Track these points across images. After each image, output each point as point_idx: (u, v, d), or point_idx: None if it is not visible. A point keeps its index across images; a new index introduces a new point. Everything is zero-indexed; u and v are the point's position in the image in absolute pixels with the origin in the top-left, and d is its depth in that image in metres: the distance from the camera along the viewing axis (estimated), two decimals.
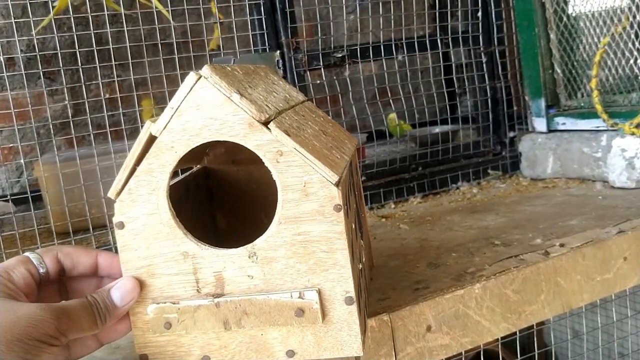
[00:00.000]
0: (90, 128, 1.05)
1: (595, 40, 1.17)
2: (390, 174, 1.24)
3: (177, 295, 0.59)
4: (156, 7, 1.05)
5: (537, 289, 0.76)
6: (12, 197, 1.54)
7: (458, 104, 1.43)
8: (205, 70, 0.56)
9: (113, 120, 1.08)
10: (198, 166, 0.83)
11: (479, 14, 1.30)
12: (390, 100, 1.31)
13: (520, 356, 1.14)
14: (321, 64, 1.15)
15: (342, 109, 1.25)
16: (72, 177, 1.08)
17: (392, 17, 1.25)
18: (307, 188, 0.56)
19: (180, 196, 0.65)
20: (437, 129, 1.53)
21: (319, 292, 0.57)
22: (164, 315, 0.59)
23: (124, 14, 1.07)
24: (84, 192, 1.05)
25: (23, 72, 1.06)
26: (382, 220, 1.09)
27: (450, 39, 1.27)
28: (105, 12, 1.04)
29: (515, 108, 1.35)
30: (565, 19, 1.21)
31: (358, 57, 1.19)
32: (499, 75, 1.32)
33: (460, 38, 1.29)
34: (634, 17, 1.09)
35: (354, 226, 0.65)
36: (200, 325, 0.59)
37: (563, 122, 1.23)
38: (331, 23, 1.21)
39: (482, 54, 1.31)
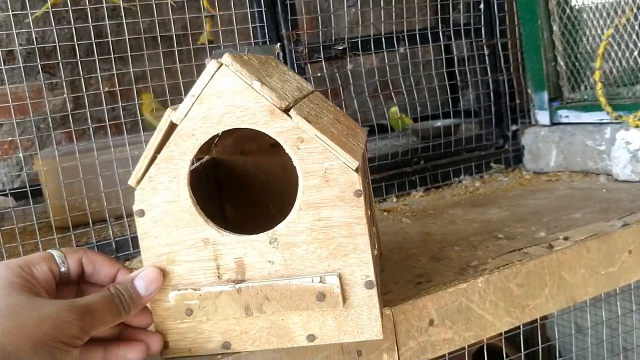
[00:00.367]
0: (90, 122, 1.04)
1: (599, 32, 1.16)
2: (392, 167, 1.23)
3: (198, 281, 0.60)
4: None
5: (541, 282, 0.75)
6: (12, 192, 1.54)
7: (460, 97, 1.41)
8: (226, 58, 0.57)
9: (113, 115, 1.07)
10: (207, 157, 0.83)
11: (481, 6, 1.28)
12: (392, 94, 1.30)
13: (524, 350, 1.14)
14: (322, 56, 1.14)
15: (343, 102, 1.24)
16: (72, 171, 1.08)
17: (394, 9, 1.24)
18: (328, 174, 0.57)
19: (192, 187, 0.65)
20: (439, 123, 1.51)
21: (340, 277, 0.58)
22: (185, 301, 0.60)
23: (123, 7, 1.06)
24: (83, 186, 1.05)
25: (21, 65, 1.05)
26: (384, 214, 1.09)
27: (452, 31, 1.26)
28: (104, 5, 1.02)
29: (517, 101, 1.34)
30: (568, 10, 1.20)
31: (359, 50, 1.18)
32: (502, 68, 1.31)
33: (462, 30, 1.28)
34: (638, 8, 1.08)
35: (369, 212, 0.65)
36: (221, 312, 0.60)
37: (566, 115, 1.22)
38: (332, 15, 1.20)
39: (484, 46, 1.30)
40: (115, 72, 1.09)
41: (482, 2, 1.29)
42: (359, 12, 1.24)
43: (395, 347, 0.66)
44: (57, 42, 1.01)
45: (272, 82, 0.61)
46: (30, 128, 1.75)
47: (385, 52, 1.22)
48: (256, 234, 0.60)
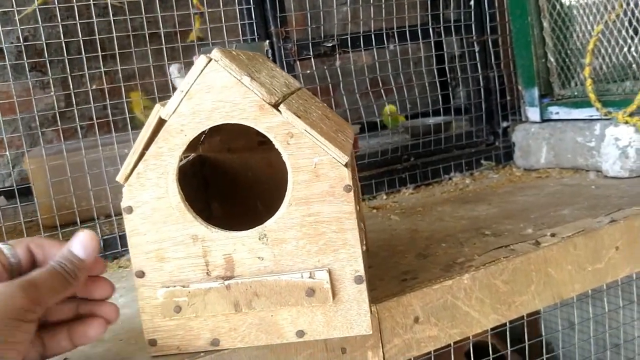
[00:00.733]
0: (77, 120, 1.04)
1: (589, 28, 1.16)
2: (382, 165, 1.23)
3: (187, 278, 0.60)
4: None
5: (527, 279, 0.74)
6: (3, 190, 1.53)
7: (450, 94, 1.41)
8: (216, 53, 0.56)
9: (105, 113, 1.07)
10: (194, 154, 0.82)
11: (472, 2, 1.28)
12: (382, 91, 1.30)
13: (516, 346, 1.14)
14: (311, 53, 1.14)
15: (332, 100, 1.23)
16: (61, 170, 1.07)
17: (384, 6, 1.24)
18: (318, 169, 0.57)
19: (180, 183, 0.65)
20: (431, 120, 1.51)
21: (329, 272, 0.58)
22: (173, 299, 0.60)
23: (110, 4, 1.05)
24: (71, 184, 1.04)
25: (7, 63, 1.04)
26: (374, 211, 1.08)
27: (442, 28, 1.26)
28: (91, 2, 1.02)
29: (508, 98, 1.34)
30: (558, 7, 1.20)
31: (348, 47, 1.17)
32: (492, 65, 1.30)
33: (452, 27, 1.27)
34: (627, 4, 1.08)
35: (358, 208, 0.65)
36: (210, 308, 0.60)
37: (556, 112, 1.22)
38: (322, 12, 1.19)
39: (475, 43, 1.29)
40: (102, 70, 1.09)
41: None
42: (349, 9, 1.24)
43: (380, 345, 0.66)
44: (43, 40, 1.01)
45: (261, 77, 0.61)
46: (22, 127, 1.74)
47: (375, 49, 1.21)
48: (243, 230, 0.60)
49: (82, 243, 0.57)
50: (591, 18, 1.15)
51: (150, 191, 0.59)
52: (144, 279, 0.61)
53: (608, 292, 1.21)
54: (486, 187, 1.15)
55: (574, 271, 0.77)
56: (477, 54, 1.30)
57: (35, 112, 1.05)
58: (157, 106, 0.58)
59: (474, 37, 1.29)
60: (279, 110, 0.57)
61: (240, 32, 1.12)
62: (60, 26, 1.00)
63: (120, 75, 1.07)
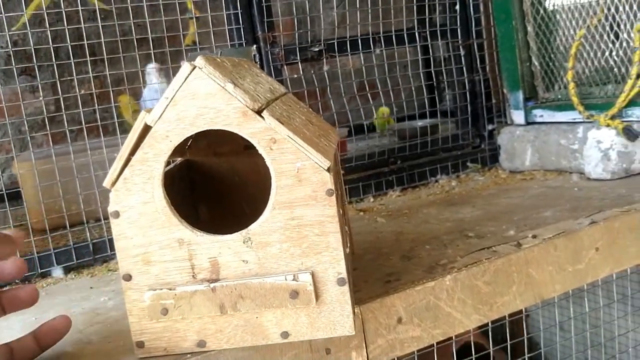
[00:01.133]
0: (66, 125, 1.05)
1: (572, 32, 1.18)
2: (369, 167, 1.24)
3: (174, 281, 0.61)
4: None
5: (508, 280, 0.76)
6: None
7: (436, 97, 1.43)
8: (199, 60, 0.58)
9: (94, 117, 1.08)
10: (181, 159, 0.83)
11: (457, 7, 1.30)
12: (370, 95, 1.31)
13: (505, 346, 1.15)
14: (298, 58, 1.15)
15: (320, 104, 1.25)
16: (50, 174, 1.08)
17: (370, 10, 1.25)
18: (300, 174, 0.59)
19: (167, 188, 0.66)
20: (419, 123, 1.53)
21: (313, 274, 0.60)
22: (160, 301, 0.61)
23: (104, 10, 1.06)
24: (60, 189, 1.05)
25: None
26: (360, 213, 1.10)
27: (428, 32, 1.27)
28: (79, 8, 1.03)
29: (494, 101, 1.36)
30: (542, 11, 1.22)
31: (336, 51, 1.19)
32: (478, 68, 1.32)
33: (438, 31, 1.29)
34: (609, 9, 1.09)
35: (341, 211, 0.66)
36: (196, 310, 0.61)
37: (541, 115, 1.24)
38: (307, 17, 1.21)
39: (460, 47, 1.31)
40: (92, 75, 1.09)
41: (457, 3, 1.30)
42: (336, 14, 1.25)
43: (364, 345, 0.67)
44: (32, 45, 1.02)
45: (244, 84, 0.62)
46: (12, 131, 1.74)
47: (361, 54, 1.23)
48: (230, 234, 0.61)
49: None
50: (574, 22, 1.17)
51: (136, 196, 0.60)
52: (131, 282, 0.62)
53: (591, 292, 1.23)
54: (472, 189, 1.17)
55: (554, 272, 0.79)
56: (462, 58, 1.31)
57: (24, 117, 1.06)
58: (143, 112, 0.59)
59: (460, 41, 1.31)
60: (262, 117, 0.58)
61: (228, 37, 1.14)
62: (49, 31, 1.01)
63: (109, 79, 1.07)
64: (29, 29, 1.01)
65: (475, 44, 1.31)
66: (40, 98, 1.03)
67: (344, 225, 0.70)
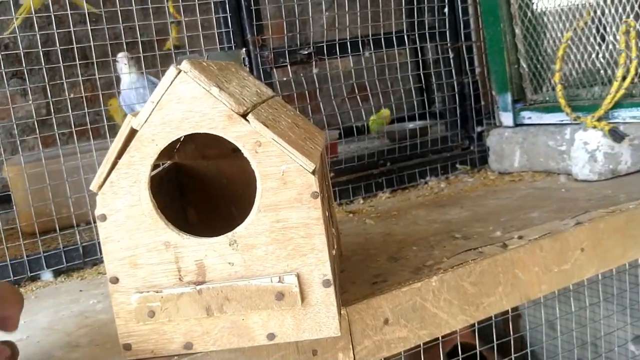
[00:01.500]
0: (56, 128, 1.05)
1: (559, 35, 1.19)
2: (359, 169, 1.25)
3: (160, 284, 0.61)
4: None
5: (494, 280, 0.77)
6: None
7: (425, 100, 1.44)
8: (185, 64, 0.58)
9: (85, 120, 1.08)
10: (169, 162, 0.84)
11: (446, 9, 1.31)
12: (360, 97, 1.32)
13: (498, 345, 1.16)
14: (287, 61, 1.16)
15: (310, 106, 1.25)
16: (40, 177, 1.08)
17: (360, 13, 1.26)
18: (285, 177, 0.59)
19: (155, 191, 0.66)
20: (409, 125, 1.54)
21: (298, 276, 0.60)
22: (147, 304, 0.61)
23: (94, 14, 1.07)
24: (50, 192, 1.05)
25: None
26: (350, 215, 1.10)
27: (417, 35, 1.28)
28: (69, 12, 1.03)
29: (483, 103, 1.36)
30: (529, 14, 1.23)
31: (325, 54, 1.19)
32: (467, 71, 1.33)
33: (427, 34, 1.30)
34: (595, 12, 1.10)
35: (327, 213, 0.67)
36: (183, 313, 0.61)
37: (529, 116, 1.25)
38: (300, 20, 1.21)
39: (450, 49, 1.32)
40: (81, 78, 1.10)
41: (446, 6, 1.31)
42: (325, 17, 1.26)
43: (351, 346, 0.68)
44: (21, 49, 1.02)
45: (230, 87, 0.62)
46: (2, 134, 1.74)
47: (350, 57, 1.24)
48: (216, 236, 0.61)
49: None
50: (561, 25, 1.18)
51: (123, 199, 0.61)
52: (118, 284, 0.62)
53: (579, 291, 1.24)
54: (460, 190, 1.18)
55: (540, 272, 0.80)
56: (451, 61, 1.32)
57: (14, 121, 1.06)
58: (129, 116, 0.59)
59: (449, 44, 1.32)
60: (247, 120, 0.58)
61: (217, 40, 1.14)
62: (38, 35, 1.01)
63: (99, 83, 1.08)
64: (18, 32, 1.01)
65: (464, 46, 1.32)
66: (30, 102, 1.02)
67: (330, 227, 0.71)
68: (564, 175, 1.15)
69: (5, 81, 1.15)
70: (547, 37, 1.22)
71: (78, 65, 1.04)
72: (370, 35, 1.23)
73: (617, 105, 1.06)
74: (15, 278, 0.99)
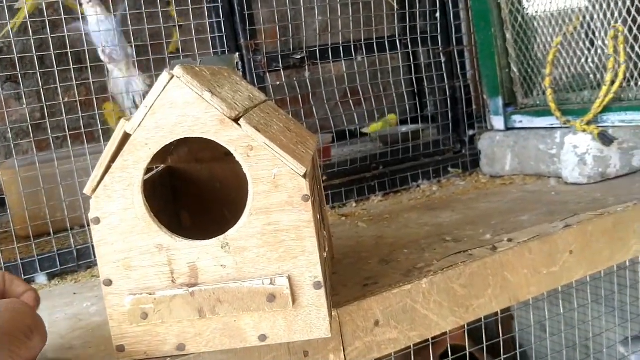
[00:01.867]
0: (50, 132, 1.06)
1: (549, 39, 1.20)
2: (351, 173, 1.25)
3: (153, 286, 0.62)
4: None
5: (484, 283, 0.78)
6: None
7: (418, 104, 1.45)
8: (178, 70, 0.59)
9: (79, 124, 1.09)
10: (163, 165, 0.85)
11: (437, 14, 1.32)
12: (351, 102, 1.33)
13: (491, 346, 1.17)
14: (281, 65, 1.17)
15: (303, 110, 1.26)
16: (34, 181, 1.08)
17: (352, 18, 1.27)
18: (277, 180, 0.60)
19: (148, 194, 0.67)
20: (402, 129, 1.55)
21: (289, 278, 0.61)
22: (140, 306, 0.62)
23: (82, 17, 1.07)
24: (44, 195, 1.06)
25: None
26: (342, 218, 1.11)
27: (409, 39, 1.29)
28: (63, 17, 1.04)
29: (474, 107, 1.38)
30: (520, 19, 1.24)
31: (318, 59, 1.20)
32: (458, 75, 1.34)
33: (419, 39, 1.31)
34: (584, 17, 1.12)
35: (319, 217, 0.68)
36: (176, 314, 0.62)
37: (520, 120, 1.26)
38: (293, 25, 1.22)
39: (441, 54, 1.33)
40: (75, 83, 1.10)
41: (438, 10, 1.32)
42: (318, 22, 1.27)
43: (342, 348, 0.69)
44: (15, 54, 1.02)
45: (222, 92, 0.63)
46: None
47: (343, 61, 1.25)
48: (209, 239, 0.62)
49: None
50: (551, 30, 1.19)
51: (116, 203, 0.61)
52: (111, 287, 0.63)
53: (569, 293, 1.25)
54: (452, 194, 1.19)
55: (529, 275, 0.81)
56: (443, 65, 1.33)
57: (7, 125, 1.06)
58: (122, 121, 0.60)
59: (441, 48, 1.33)
60: (239, 124, 0.59)
61: (211, 45, 1.15)
62: (32, 40, 1.02)
63: (94, 87, 1.08)
64: (12, 37, 1.02)
65: (455, 51, 1.33)
66: (24, 105, 1.03)
67: (322, 230, 0.72)
68: (554, 179, 1.16)
69: (0, 85, 1.15)
70: (538, 41, 1.23)
71: (72, 69, 1.05)
72: (362, 40, 1.24)
73: (606, 109, 1.08)
74: None
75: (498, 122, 1.29)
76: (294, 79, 1.31)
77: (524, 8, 1.24)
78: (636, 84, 1.07)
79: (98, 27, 1.11)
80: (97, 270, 1.02)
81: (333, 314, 0.68)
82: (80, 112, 1.08)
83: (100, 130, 1.11)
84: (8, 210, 1.07)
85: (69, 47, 1.04)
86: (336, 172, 1.24)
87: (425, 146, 1.34)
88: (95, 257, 1.04)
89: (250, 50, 1.13)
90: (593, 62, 1.12)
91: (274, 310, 0.62)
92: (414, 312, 0.73)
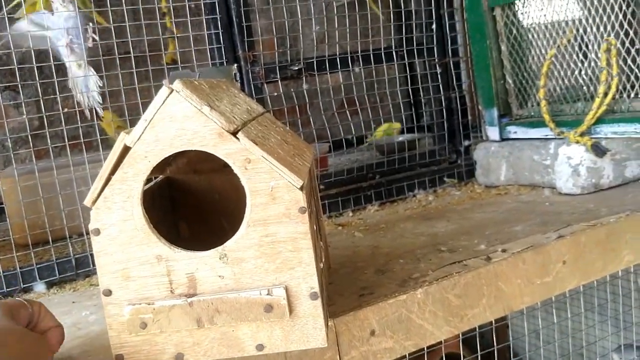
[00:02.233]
0: (49, 142, 1.07)
1: (543, 52, 1.21)
2: (348, 182, 1.27)
3: (152, 296, 0.63)
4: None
5: (478, 293, 0.79)
6: None
7: (414, 113, 1.46)
8: (177, 84, 0.60)
9: (77, 133, 1.10)
10: (161, 176, 0.86)
11: (434, 26, 1.33)
12: (347, 112, 1.34)
13: (488, 353, 1.18)
14: (278, 76, 1.18)
15: (300, 120, 1.27)
16: (33, 189, 1.09)
17: (349, 29, 1.28)
18: (274, 192, 0.61)
19: (147, 205, 0.68)
20: (398, 139, 1.56)
21: (286, 289, 0.62)
22: (139, 315, 0.63)
23: (97, 25, 1.09)
24: (43, 204, 1.06)
25: None
26: (339, 228, 1.12)
27: (405, 51, 1.31)
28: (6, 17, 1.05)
29: (470, 117, 1.39)
30: (515, 31, 1.26)
31: (315, 70, 1.22)
32: (454, 86, 1.36)
33: (415, 50, 1.32)
34: (577, 30, 1.13)
35: (315, 228, 0.69)
36: (174, 324, 0.63)
37: (515, 131, 1.28)
38: (290, 36, 1.24)
39: (437, 65, 1.34)
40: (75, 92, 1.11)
41: (434, 22, 1.34)
42: (315, 33, 1.28)
43: (338, 357, 0.70)
44: (15, 65, 1.03)
45: (221, 106, 0.65)
46: None
47: (340, 72, 1.26)
48: (209, 250, 0.63)
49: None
50: (545, 42, 1.21)
51: (116, 214, 0.62)
52: (111, 297, 0.64)
53: (564, 302, 1.26)
54: (447, 204, 1.20)
55: (523, 285, 0.82)
56: (439, 76, 1.35)
57: (7, 134, 1.07)
58: (122, 134, 0.61)
59: (436, 60, 1.34)
60: (237, 138, 0.61)
61: (209, 56, 1.16)
62: (32, 51, 1.03)
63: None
64: (12, 48, 1.03)
65: (451, 62, 1.35)
66: (24, 116, 1.04)
67: (318, 241, 0.73)
68: (548, 189, 1.17)
69: (1, 94, 1.16)
70: (532, 54, 1.25)
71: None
72: (359, 52, 1.26)
73: (599, 120, 1.09)
74: (7, 290, 1.00)
75: (493, 132, 1.31)
76: (292, 89, 1.32)
77: (518, 21, 1.25)
78: (628, 96, 1.08)
79: (65, 23, 1.09)
80: (96, 279, 1.04)
81: (329, 323, 0.69)
82: (79, 122, 1.09)
83: (99, 140, 1.12)
84: (7, 219, 1.08)
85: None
86: (333, 181, 1.25)
87: (421, 156, 1.35)
88: (93, 266, 1.05)
89: (248, 61, 1.15)
90: (586, 74, 1.14)
91: (271, 320, 0.63)
92: (410, 321, 0.74)
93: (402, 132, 1.56)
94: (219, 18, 1.13)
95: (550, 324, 1.25)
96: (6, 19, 1.04)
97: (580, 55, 1.14)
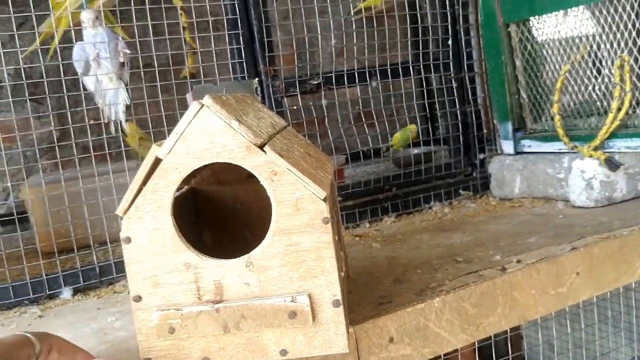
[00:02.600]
0: (75, 151, 1.10)
1: (557, 67, 1.24)
2: (365, 194, 1.29)
3: (180, 302, 0.66)
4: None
5: (494, 302, 0.81)
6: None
7: (429, 127, 1.49)
8: (207, 99, 0.63)
9: (99, 143, 1.13)
10: (186, 187, 0.89)
11: (449, 42, 1.36)
12: (365, 125, 1.37)
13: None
14: (298, 90, 1.21)
15: (318, 133, 1.30)
16: (58, 199, 1.12)
17: (367, 45, 1.31)
18: (299, 203, 0.64)
19: (175, 215, 0.71)
20: (414, 151, 1.58)
21: (310, 296, 0.65)
22: (167, 321, 0.66)
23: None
24: (68, 213, 1.09)
25: (10, 98, 1.11)
26: (356, 239, 1.15)
27: (422, 65, 1.33)
28: (88, 42, 1.08)
29: (485, 131, 1.41)
30: (529, 47, 1.28)
31: (333, 84, 1.25)
32: (469, 100, 1.38)
33: (431, 65, 1.35)
34: (591, 46, 1.16)
35: (337, 237, 0.71)
36: (201, 330, 0.66)
37: (529, 145, 1.30)
38: (309, 52, 1.27)
39: (453, 79, 1.37)
40: (99, 105, 1.15)
41: (450, 38, 1.37)
42: (333, 49, 1.31)
43: None
44: (44, 76, 1.07)
45: (248, 120, 0.67)
46: (17, 157, 1.79)
47: (358, 86, 1.29)
48: (233, 258, 0.66)
49: None
50: (559, 58, 1.23)
51: (147, 223, 0.65)
52: (140, 303, 0.66)
53: (577, 313, 1.28)
54: (463, 216, 1.22)
55: (537, 295, 0.84)
56: (455, 90, 1.37)
57: (36, 144, 1.11)
58: (154, 147, 0.64)
59: (452, 74, 1.37)
60: (264, 151, 0.63)
61: (231, 70, 1.19)
62: (61, 65, 1.07)
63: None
64: (42, 61, 1.07)
65: (467, 77, 1.37)
66: (52, 128, 1.08)
67: (340, 251, 0.75)
68: (562, 202, 1.19)
69: (29, 105, 1.20)
70: (546, 69, 1.27)
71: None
72: (377, 66, 1.28)
73: (613, 135, 1.11)
74: (34, 296, 1.03)
75: (508, 146, 1.33)
76: (310, 102, 1.35)
77: (533, 37, 1.28)
78: None
79: (93, 38, 1.13)
80: (119, 286, 1.07)
81: (350, 330, 0.71)
82: (104, 134, 1.12)
83: (123, 151, 1.15)
84: (34, 227, 1.11)
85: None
86: (350, 193, 1.28)
87: (437, 169, 1.37)
88: (116, 274, 1.08)
89: (269, 75, 1.18)
90: (600, 89, 1.16)
91: (295, 326, 0.65)
92: (427, 329, 0.76)
93: (417, 145, 1.58)
94: (241, 33, 1.16)
95: (564, 335, 1.26)
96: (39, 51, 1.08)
97: (594, 71, 1.16)
